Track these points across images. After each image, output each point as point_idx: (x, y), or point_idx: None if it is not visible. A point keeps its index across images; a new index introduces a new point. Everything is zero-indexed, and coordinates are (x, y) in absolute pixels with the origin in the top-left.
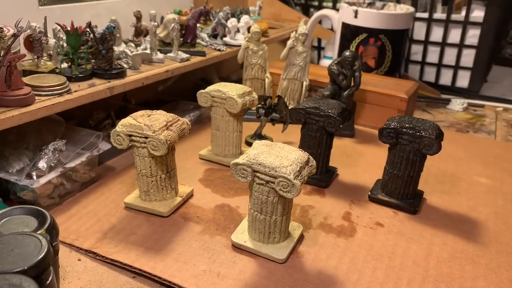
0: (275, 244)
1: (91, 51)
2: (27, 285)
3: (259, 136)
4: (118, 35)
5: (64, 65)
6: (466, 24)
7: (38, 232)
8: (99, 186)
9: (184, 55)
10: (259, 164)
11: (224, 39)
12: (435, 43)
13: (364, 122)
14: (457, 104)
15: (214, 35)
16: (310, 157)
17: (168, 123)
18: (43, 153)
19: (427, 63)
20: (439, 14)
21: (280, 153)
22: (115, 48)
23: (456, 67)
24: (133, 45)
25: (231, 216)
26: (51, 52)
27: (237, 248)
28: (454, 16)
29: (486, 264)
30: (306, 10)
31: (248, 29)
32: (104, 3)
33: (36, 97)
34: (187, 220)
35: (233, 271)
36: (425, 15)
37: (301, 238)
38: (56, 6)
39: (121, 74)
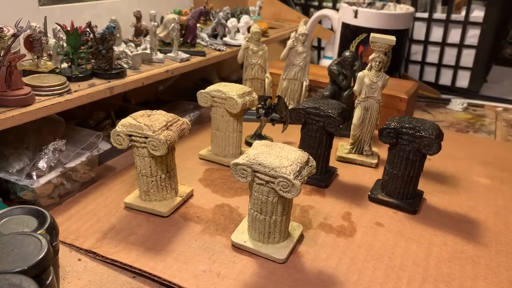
0: (275, 244)
1: (91, 51)
2: (27, 285)
3: (259, 136)
4: (118, 35)
5: (64, 65)
6: (466, 24)
7: (38, 232)
8: (99, 186)
9: (184, 55)
10: (259, 164)
11: (224, 39)
12: (435, 43)
13: None
14: (457, 104)
15: (214, 35)
16: (310, 157)
17: (168, 123)
18: (43, 153)
19: (427, 63)
20: (439, 14)
21: (280, 153)
22: (115, 48)
23: (456, 67)
24: (133, 45)
25: (231, 216)
26: (51, 52)
27: (237, 248)
28: (454, 16)
29: (486, 264)
30: (306, 10)
31: (248, 29)
32: (104, 3)
33: (36, 97)
34: (187, 220)
35: (233, 271)
36: (425, 15)
37: (301, 238)
38: (56, 6)
39: (121, 74)
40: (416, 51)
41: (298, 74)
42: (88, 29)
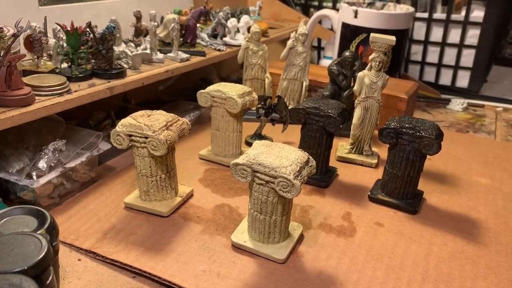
0: (275, 244)
1: (91, 51)
2: (27, 285)
3: (259, 136)
4: (118, 35)
5: (64, 65)
6: (466, 24)
7: (38, 232)
8: (99, 186)
9: (184, 55)
10: (259, 164)
11: (224, 39)
12: (435, 43)
13: None
14: (457, 104)
15: (214, 35)
16: (310, 157)
17: (168, 123)
18: (43, 153)
19: (427, 63)
20: (439, 14)
21: (280, 153)
22: (115, 48)
23: (456, 67)
24: (133, 45)
25: (231, 216)
26: (51, 52)
27: (237, 248)
28: (454, 16)
29: (486, 264)
30: (306, 10)
31: (248, 29)
32: (104, 3)
33: (36, 97)
34: (187, 220)
35: (233, 271)
36: (425, 15)
37: (301, 238)
38: (56, 6)
39: (121, 74)
40: (416, 51)
41: (298, 74)
42: (88, 29)
